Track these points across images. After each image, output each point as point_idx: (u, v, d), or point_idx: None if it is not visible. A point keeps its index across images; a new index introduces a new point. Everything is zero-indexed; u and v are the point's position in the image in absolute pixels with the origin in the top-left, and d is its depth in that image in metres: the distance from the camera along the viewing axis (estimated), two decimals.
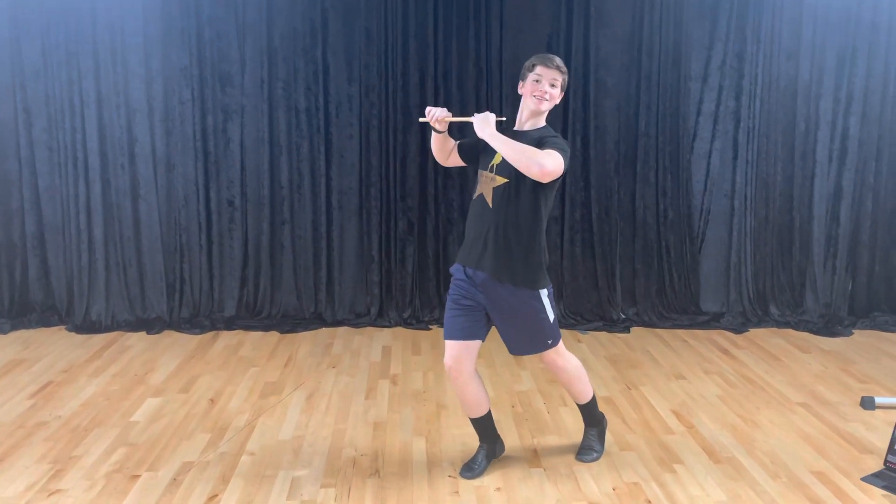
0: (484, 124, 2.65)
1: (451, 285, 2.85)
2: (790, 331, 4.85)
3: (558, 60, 2.77)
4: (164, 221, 4.84)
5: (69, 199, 4.76)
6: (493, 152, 2.72)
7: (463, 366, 2.77)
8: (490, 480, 2.88)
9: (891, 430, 3.04)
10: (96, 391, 3.75)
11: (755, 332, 4.81)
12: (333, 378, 3.97)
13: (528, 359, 4.27)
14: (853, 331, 4.83)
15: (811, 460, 3.05)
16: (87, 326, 4.73)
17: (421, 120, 2.84)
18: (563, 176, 2.70)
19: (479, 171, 2.82)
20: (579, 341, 4.62)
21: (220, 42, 4.70)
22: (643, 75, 4.85)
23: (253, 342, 4.56)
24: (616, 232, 5.00)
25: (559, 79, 2.75)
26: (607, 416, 3.47)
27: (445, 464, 3.01)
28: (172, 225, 4.84)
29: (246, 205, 4.87)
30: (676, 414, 3.52)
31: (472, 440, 3.20)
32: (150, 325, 4.78)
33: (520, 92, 2.82)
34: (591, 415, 3.09)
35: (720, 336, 4.73)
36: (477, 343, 2.81)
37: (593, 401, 3.06)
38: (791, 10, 4.82)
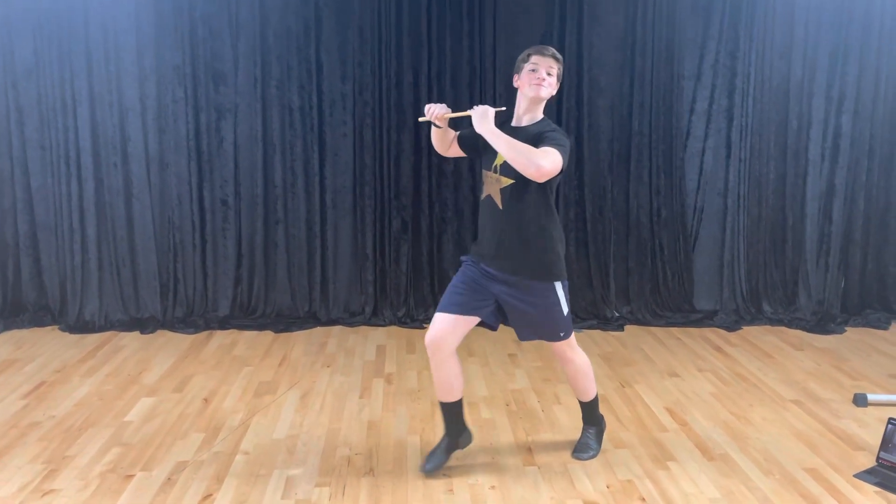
0: (483, 119, 2.64)
1: (461, 268, 2.85)
2: (783, 328, 4.87)
3: (553, 49, 2.77)
4: (158, 221, 4.82)
5: (62, 199, 4.74)
6: (495, 151, 2.71)
7: (444, 342, 2.74)
8: (485, 479, 2.88)
9: (883, 427, 3.05)
10: (90, 391, 3.74)
11: (748, 330, 4.83)
12: (328, 377, 3.97)
13: (522, 357, 4.28)
14: (846, 328, 4.85)
15: (804, 457, 3.07)
16: (81, 326, 4.72)
17: (421, 119, 2.83)
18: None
19: (484, 171, 2.82)
20: None
21: (213, 40, 4.69)
22: (636, 74, 4.86)
23: (247, 341, 4.55)
24: (610, 230, 5.01)
25: (555, 67, 2.74)
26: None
27: None
28: (166, 224, 4.83)
29: (240, 204, 4.86)
30: (670, 411, 3.53)
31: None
32: (144, 324, 4.77)
33: (515, 85, 2.80)
34: (592, 413, 3.10)
35: (713, 334, 4.75)
36: (469, 322, 2.78)
37: (595, 400, 3.08)
38: (784, 9, 4.84)
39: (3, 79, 4.63)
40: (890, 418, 2.96)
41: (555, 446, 3.15)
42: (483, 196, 2.82)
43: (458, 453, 3.04)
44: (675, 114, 4.92)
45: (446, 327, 2.75)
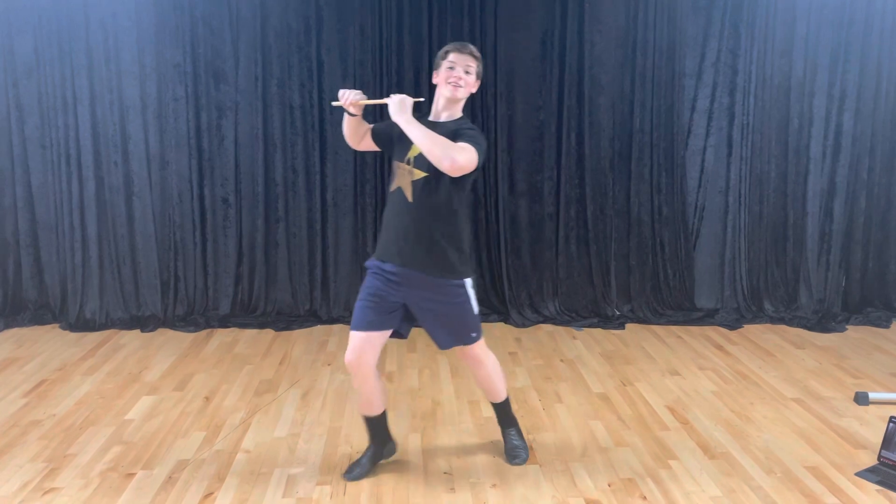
0: (400, 108, 2.57)
1: (366, 279, 2.77)
2: (784, 327, 4.86)
3: (472, 47, 2.70)
4: (158, 219, 4.82)
5: (62, 197, 4.74)
6: (409, 143, 2.63)
7: (363, 360, 2.72)
8: (486, 477, 2.88)
9: (884, 426, 3.05)
10: (90, 389, 3.74)
11: (749, 328, 4.82)
12: (329, 375, 3.96)
13: (523, 356, 4.28)
14: (847, 326, 4.85)
15: (805, 455, 3.07)
16: (81, 324, 4.71)
17: (334, 104, 2.71)
18: (483, 168, 2.62)
19: (396, 163, 2.73)
20: (574, 338, 4.62)
21: (213, 39, 4.69)
22: (637, 72, 4.85)
23: (247, 340, 4.55)
24: (611, 229, 5.00)
25: (473, 65, 2.68)
26: (602, 412, 3.49)
27: (441, 461, 3.01)
28: (166, 222, 4.82)
29: (240, 202, 4.86)
30: (671, 410, 3.52)
31: (468, 437, 3.22)
32: (145, 322, 4.76)
33: (434, 81, 2.75)
34: (507, 414, 3.05)
35: (714, 332, 4.75)
36: (383, 336, 2.75)
37: (508, 400, 3.03)
38: (785, 7, 4.83)
39: (4, 77, 4.62)
40: (891, 416, 2.96)
41: (556, 445, 3.15)
42: (392, 188, 2.72)
43: (459, 453, 3.04)
44: (677, 112, 4.91)
45: (364, 346, 2.71)
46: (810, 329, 4.79)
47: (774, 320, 4.93)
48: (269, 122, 4.79)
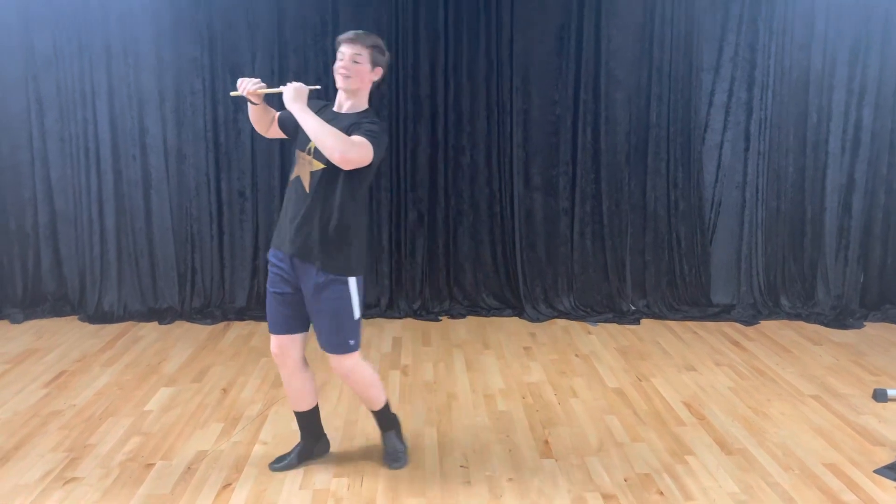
0: (295, 95, 2.52)
1: (269, 272, 2.75)
2: (801, 323, 4.83)
3: (366, 35, 2.60)
4: (176, 212, 4.85)
5: (81, 190, 4.78)
6: None
7: (288, 355, 2.74)
8: (502, 471, 2.89)
9: None
10: (109, 381, 3.78)
11: (766, 325, 4.80)
12: None
13: (538, 351, 4.28)
14: (864, 323, 4.81)
15: (823, 452, 3.05)
16: (100, 316, 4.76)
17: (232, 94, 2.68)
18: (383, 163, 2.56)
19: (297, 151, 2.68)
20: (589, 333, 4.62)
21: (230, 33, 4.70)
22: (654, 66, 4.82)
23: (264, 332, 4.57)
24: (627, 223, 4.99)
25: (364, 53, 2.58)
26: (617, 407, 3.48)
27: (457, 454, 3.02)
28: (184, 215, 4.86)
29: (257, 195, 4.88)
30: (688, 405, 3.52)
31: (483, 431, 3.22)
32: (162, 315, 4.80)
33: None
34: (386, 418, 2.95)
35: (731, 328, 4.73)
36: (301, 332, 2.75)
37: (387, 405, 2.94)
38: (804, 0, 4.78)
39: (24, 71, 4.66)
40: None
41: (572, 439, 3.15)
42: (292, 177, 2.68)
43: (474, 446, 3.04)
44: (694, 107, 4.88)
45: (284, 344, 2.74)
46: (828, 325, 4.76)
47: (791, 316, 4.90)
48: None
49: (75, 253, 4.88)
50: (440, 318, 4.87)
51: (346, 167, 2.47)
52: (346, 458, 2.98)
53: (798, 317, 4.89)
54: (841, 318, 4.84)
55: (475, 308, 4.98)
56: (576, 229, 4.97)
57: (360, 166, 2.51)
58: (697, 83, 4.88)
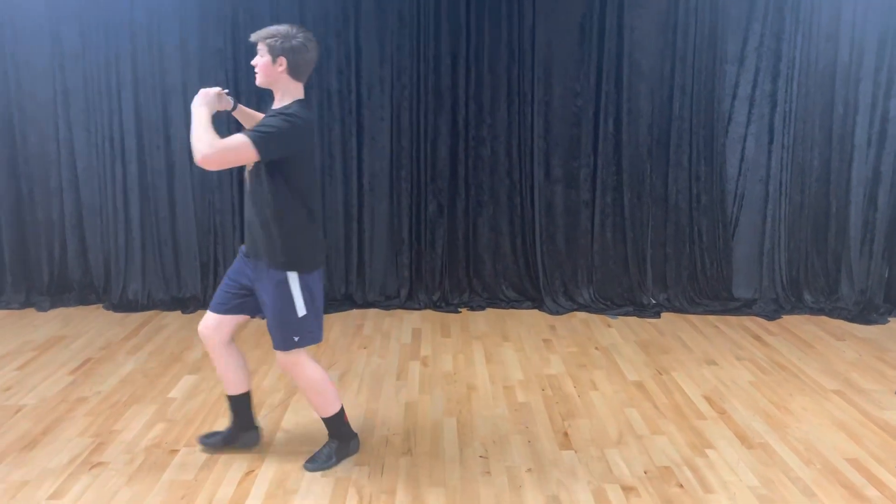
0: (198, 98, 2.59)
1: (235, 259, 2.86)
2: (824, 318, 4.78)
3: (261, 30, 2.59)
4: (199, 202, 4.90)
5: (106, 180, 4.84)
6: None
7: (211, 338, 2.80)
8: (521, 461, 2.90)
9: None
10: (134, 368, 3.84)
11: (788, 319, 4.75)
12: (365, 359, 4.01)
13: (557, 343, 4.28)
14: (889, 319, 4.75)
15: (845, 447, 3.03)
16: (124, 305, 4.83)
17: (225, 91, 2.75)
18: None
19: None
20: (609, 326, 4.61)
21: (253, 24, 4.71)
22: (678, 57, 4.78)
23: None
24: (648, 216, 4.96)
25: (261, 48, 2.57)
26: (637, 400, 3.48)
27: (477, 444, 3.04)
28: (206, 206, 4.90)
29: None
30: (708, 399, 3.50)
31: (503, 422, 3.24)
32: (185, 304, 4.86)
33: None
34: (336, 428, 2.90)
35: (752, 322, 4.69)
36: (234, 319, 2.80)
37: (339, 415, 2.88)
38: None
39: (51, 62, 4.73)
40: None
41: (591, 432, 3.16)
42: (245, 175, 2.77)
43: (494, 437, 3.06)
44: (717, 98, 4.83)
45: (211, 324, 2.80)
46: (851, 321, 4.71)
47: (814, 311, 4.85)
48: None
49: (100, 242, 4.95)
50: (459, 309, 4.88)
51: (208, 167, 2.45)
52: (368, 448, 3.01)
53: (821, 311, 4.84)
54: (865, 313, 4.78)
55: (494, 300, 4.99)
56: (596, 221, 4.95)
57: (234, 166, 2.55)
58: (721, 74, 4.82)
